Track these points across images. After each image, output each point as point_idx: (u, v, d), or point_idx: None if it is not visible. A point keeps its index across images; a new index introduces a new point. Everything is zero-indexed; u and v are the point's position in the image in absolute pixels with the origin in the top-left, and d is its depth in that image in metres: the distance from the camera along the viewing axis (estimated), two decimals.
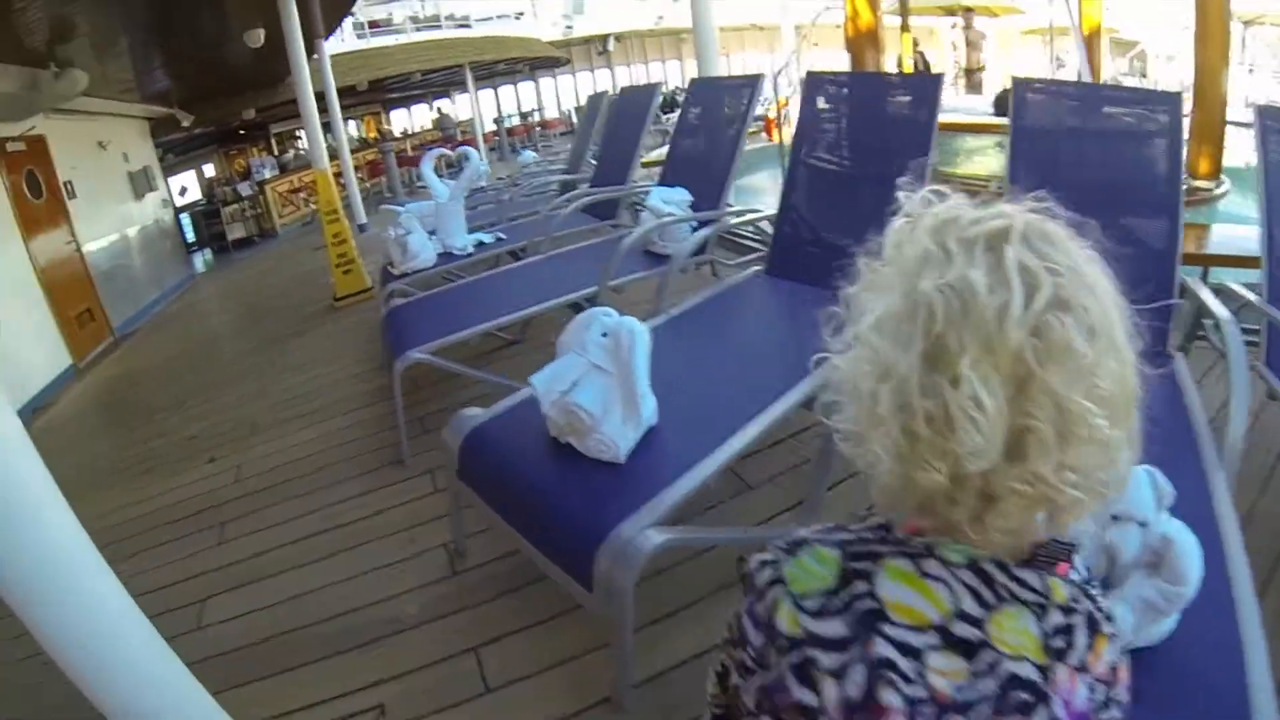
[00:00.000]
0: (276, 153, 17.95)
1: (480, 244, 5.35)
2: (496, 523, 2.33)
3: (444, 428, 2.61)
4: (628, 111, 6.30)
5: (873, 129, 3.65)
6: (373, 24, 19.84)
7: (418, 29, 20.55)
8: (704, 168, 4.65)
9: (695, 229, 4.26)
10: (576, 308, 3.91)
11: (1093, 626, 0.71)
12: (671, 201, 4.35)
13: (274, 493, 3.67)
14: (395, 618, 2.60)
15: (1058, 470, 0.63)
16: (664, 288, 3.49)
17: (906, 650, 0.65)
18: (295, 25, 7.56)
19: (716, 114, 4.80)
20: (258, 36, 9.12)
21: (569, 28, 24.87)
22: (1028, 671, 0.66)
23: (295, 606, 2.79)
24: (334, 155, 18.59)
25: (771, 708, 0.72)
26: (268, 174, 15.18)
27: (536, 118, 25.22)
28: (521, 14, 24.28)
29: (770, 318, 3.53)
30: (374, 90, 18.04)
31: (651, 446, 2.27)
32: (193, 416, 5.14)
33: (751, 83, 4.57)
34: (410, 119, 25.07)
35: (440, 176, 5.56)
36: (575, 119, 25.23)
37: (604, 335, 2.29)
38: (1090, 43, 11.23)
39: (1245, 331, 2.31)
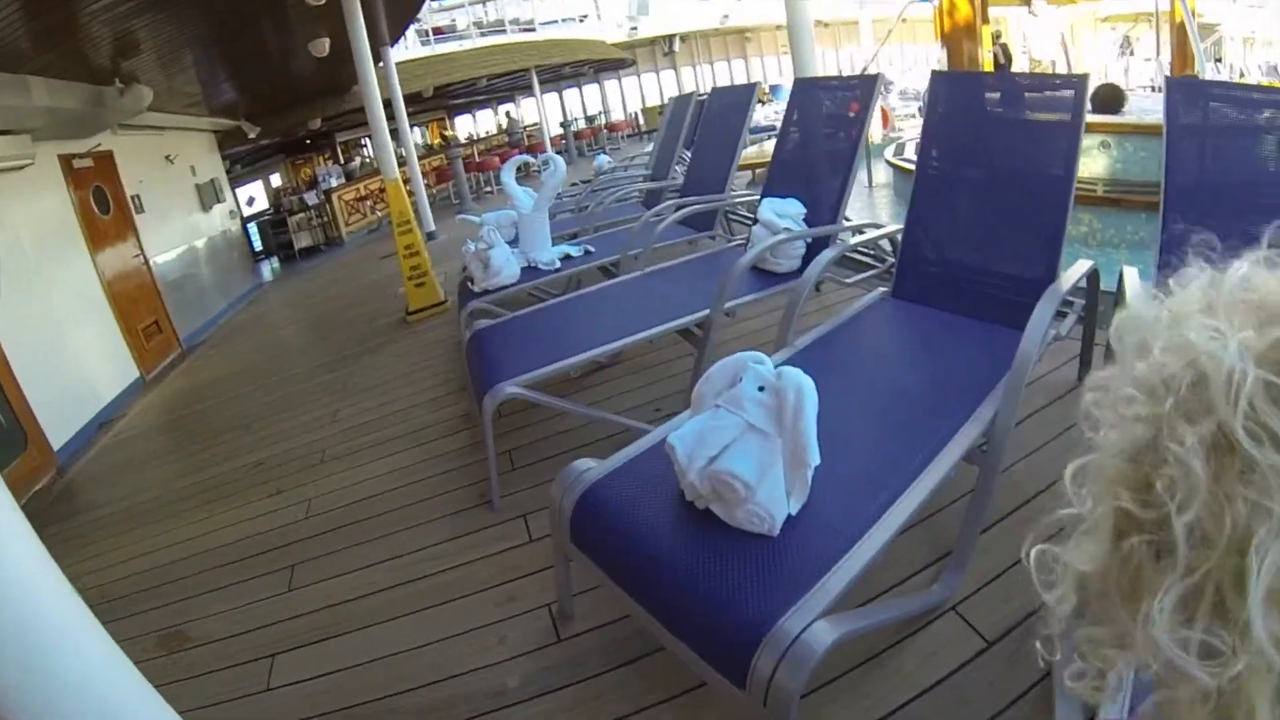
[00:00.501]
0: (342, 161, 17.95)
1: (567, 258, 5.00)
2: (614, 590, 1.97)
3: (552, 480, 2.25)
4: (722, 113, 5.79)
5: (1010, 136, 3.20)
6: (437, 30, 19.67)
7: (482, 34, 20.36)
8: (815, 177, 4.22)
9: (808, 244, 3.90)
10: (686, 334, 3.58)
11: None
12: (785, 214, 3.91)
13: (348, 533, 3.33)
14: (493, 691, 2.23)
15: None
16: (791, 316, 3.07)
17: None
18: (362, 33, 7.33)
19: (826, 118, 4.34)
20: (323, 46, 9.01)
21: (634, 29, 24.61)
22: None
23: (376, 672, 2.44)
24: (401, 162, 18.64)
25: None
26: (334, 182, 15.16)
27: (602, 120, 25.00)
28: (585, 16, 24.08)
29: (910, 350, 3.09)
30: (439, 96, 17.95)
31: (807, 514, 1.89)
32: (259, 440, 4.88)
33: (867, 84, 4.14)
34: (475, 124, 25.05)
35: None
36: (642, 121, 25.11)
37: (760, 389, 1.90)
38: (1181, 29, 10.68)
39: None
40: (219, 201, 11.52)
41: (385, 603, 2.78)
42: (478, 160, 17.56)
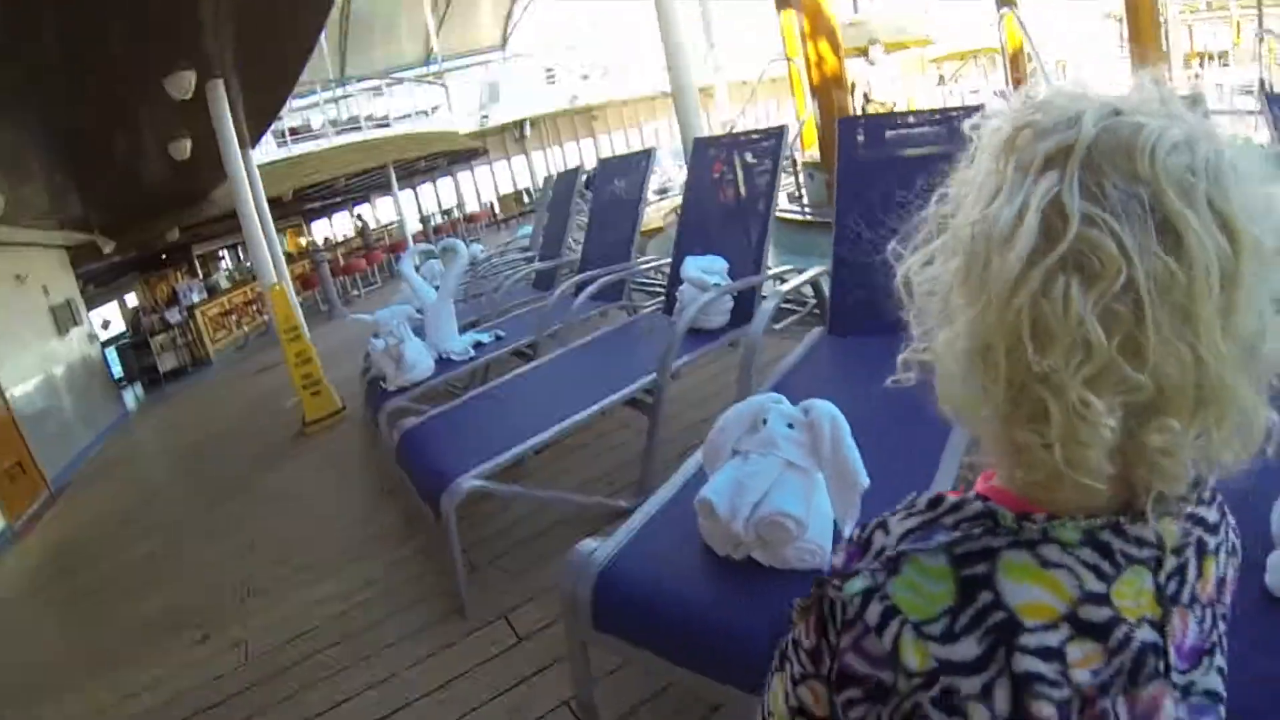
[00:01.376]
0: (202, 275, 17.10)
1: (479, 345, 4.79)
2: (656, 664, 1.83)
3: (525, 571, 2.17)
4: (616, 185, 5.80)
5: (920, 174, 3.27)
6: (293, 131, 19.10)
7: (338, 132, 19.94)
8: (730, 232, 4.25)
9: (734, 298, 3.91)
10: (634, 403, 3.45)
11: (1200, 551, 0.66)
12: (711, 271, 3.92)
13: (304, 672, 2.94)
14: None
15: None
16: (749, 367, 3.03)
17: (1047, 654, 0.58)
18: (229, 130, 7.05)
19: (734, 172, 4.37)
20: (184, 148, 8.58)
21: (485, 117, 24.75)
22: (1150, 635, 0.60)
23: None
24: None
25: None
26: (196, 298, 14.44)
27: (458, 213, 24.91)
28: (436, 108, 24.04)
29: (874, 378, 3.04)
30: (296, 200, 17.42)
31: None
32: (168, 585, 4.34)
33: (774, 136, 4.18)
34: (331, 228, 24.53)
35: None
36: (498, 209, 25.18)
37: (789, 426, 1.83)
38: (1015, 62, 11.52)
39: None
40: (76, 324, 10.66)
41: None
42: (343, 264, 17.04)
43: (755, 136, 4.45)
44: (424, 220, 22.43)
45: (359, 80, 21.63)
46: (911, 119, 4.46)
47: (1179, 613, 0.63)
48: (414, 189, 24.86)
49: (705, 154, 4.68)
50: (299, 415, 6.54)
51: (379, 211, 25.64)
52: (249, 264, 20.68)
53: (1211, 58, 16.61)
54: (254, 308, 15.77)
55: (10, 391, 7.85)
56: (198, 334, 13.83)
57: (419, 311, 4.92)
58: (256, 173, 10.24)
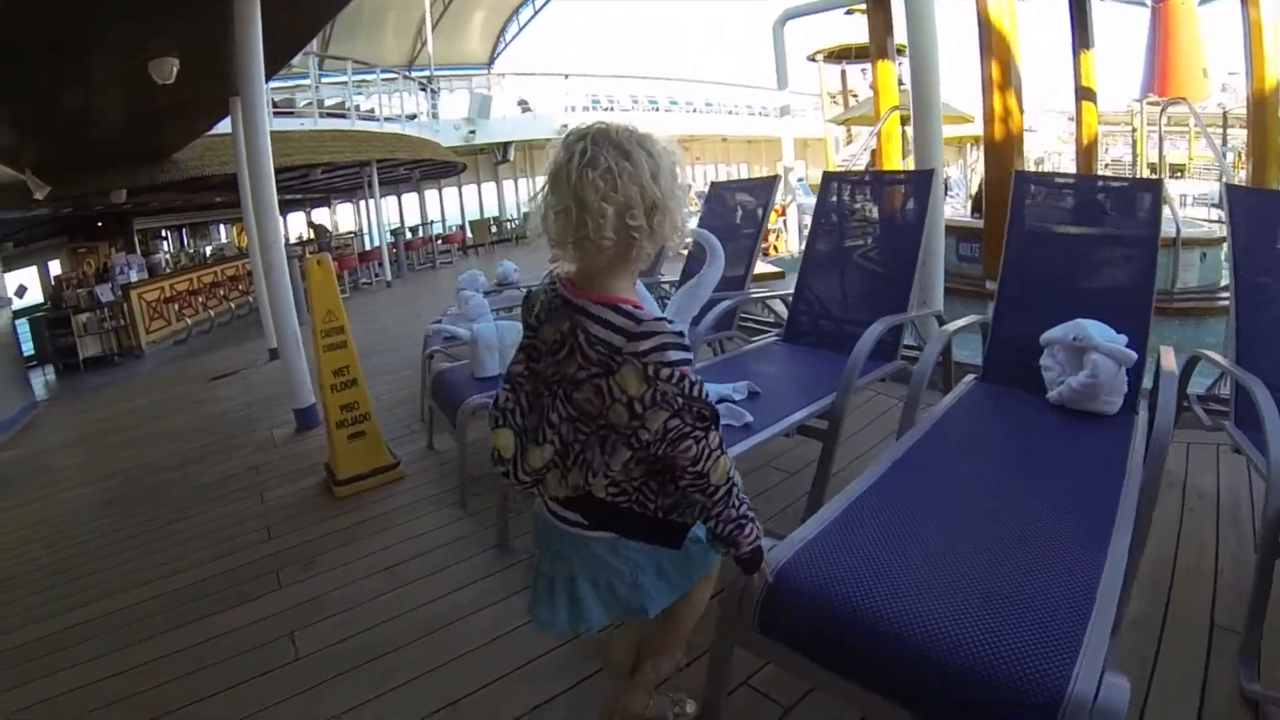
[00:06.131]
0: (141, 253, 14.59)
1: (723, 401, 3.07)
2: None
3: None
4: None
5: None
6: (275, 105, 16.77)
7: (323, 116, 17.69)
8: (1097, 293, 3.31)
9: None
10: None
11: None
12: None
13: None
14: None
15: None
16: None
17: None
18: (255, 42, 5.15)
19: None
20: (167, 70, 6.49)
21: (472, 133, 22.87)
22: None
23: None
24: (237, 255, 15.33)
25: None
26: (134, 276, 12.10)
27: (435, 231, 22.82)
28: (414, 116, 22.09)
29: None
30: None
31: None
32: None
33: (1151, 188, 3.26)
34: (286, 228, 22.15)
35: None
36: (470, 234, 23.21)
37: None
38: (1089, 154, 10.95)
39: None
40: None
41: None
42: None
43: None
44: (396, 233, 20.11)
45: (351, 67, 19.36)
46: None
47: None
48: (378, 199, 22.64)
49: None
50: (325, 465, 4.35)
51: (338, 218, 23.41)
52: (195, 248, 18.20)
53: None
54: (200, 299, 13.45)
55: None
56: (131, 319, 11.56)
57: None
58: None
